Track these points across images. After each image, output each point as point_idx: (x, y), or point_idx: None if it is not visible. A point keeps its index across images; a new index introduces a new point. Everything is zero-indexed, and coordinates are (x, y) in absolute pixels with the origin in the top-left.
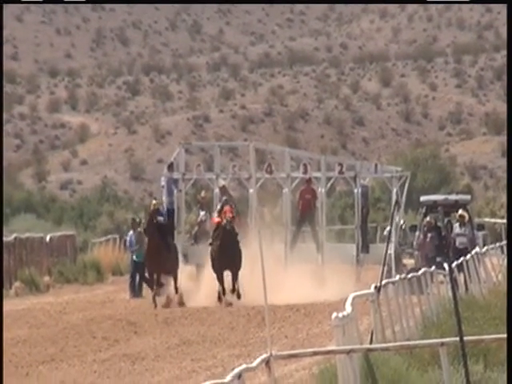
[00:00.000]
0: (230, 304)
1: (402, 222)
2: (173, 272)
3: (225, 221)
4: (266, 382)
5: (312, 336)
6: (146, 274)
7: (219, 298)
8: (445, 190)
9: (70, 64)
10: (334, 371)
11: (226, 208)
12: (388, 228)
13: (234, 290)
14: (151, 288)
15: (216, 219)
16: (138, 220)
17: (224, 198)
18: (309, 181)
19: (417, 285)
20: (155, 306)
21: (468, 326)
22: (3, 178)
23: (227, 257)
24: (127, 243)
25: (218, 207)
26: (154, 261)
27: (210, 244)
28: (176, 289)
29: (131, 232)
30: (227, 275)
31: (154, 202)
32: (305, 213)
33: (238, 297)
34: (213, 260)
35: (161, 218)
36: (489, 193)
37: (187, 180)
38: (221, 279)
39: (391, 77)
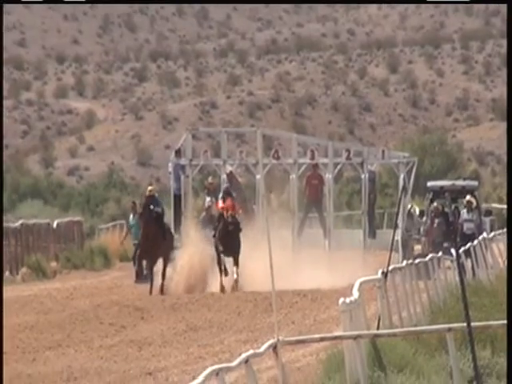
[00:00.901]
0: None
1: (416, 208)
2: (165, 257)
3: (228, 217)
4: (273, 368)
5: (319, 322)
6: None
7: (222, 289)
8: (452, 175)
9: (78, 50)
10: (341, 357)
11: (228, 203)
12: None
13: (236, 281)
14: (137, 273)
15: (221, 205)
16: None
17: (226, 185)
18: (315, 166)
19: (424, 270)
20: (150, 292)
21: (475, 311)
22: (6, 165)
23: (229, 250)
24: (130, 227)
25: (221, 194)
26: (147, 248)
27: (214, 236)
28: (163, 275)
29: (132, 216)
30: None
31: (149, 188)
32: (312, 198)
33: (236, 284)
34: (217, 251)
35: (158, 209)
36: (496, 179)
37: (194, 166)
38: (222, 270)
39: (398, 63)
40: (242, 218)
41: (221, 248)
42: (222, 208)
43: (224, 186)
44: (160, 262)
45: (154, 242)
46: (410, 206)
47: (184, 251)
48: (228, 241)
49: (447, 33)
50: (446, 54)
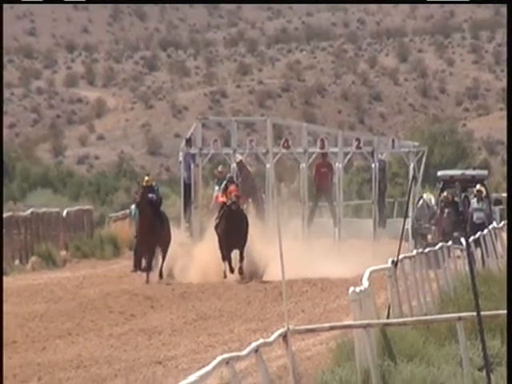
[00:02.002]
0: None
1: (431, 197)
2: (164, 247)
3: (229, 201)
4: (283, 357)
5: (329, 311)
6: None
7: (225, 276)
8: (462, 165)
9: (88, 39)
10: (351, 346)
11: (232, 188)
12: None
13: (240, 268)
14: (135, 263)
15: (220, 198)
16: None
17: (229, 175)
18: (324, 155)
19: (434, 259)
20: (147, 281)
21: (485, 300)
22: (16, 154)
23: (234, 237)
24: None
25: (223, 185)
26: (144, 241)
27: (216, 225)
28: (162, 264)
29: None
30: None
31: (146, 177)
32: (321, 187)
33: (241, 273)
34: (219, 240)
35: (153, 196)
36: (506, 168)
37: (204, 155)
38: (227, 258)
39: (408, 52)
40: (251, 206)
41: (224, 243)
42: (223, 202)
43: (228, 175)
44: (159, 252)
45: (151, 233)
46: (424, 195)
47: (199, 241)
48: (232, 231)
49: (457, 22)
50: (456, 43)
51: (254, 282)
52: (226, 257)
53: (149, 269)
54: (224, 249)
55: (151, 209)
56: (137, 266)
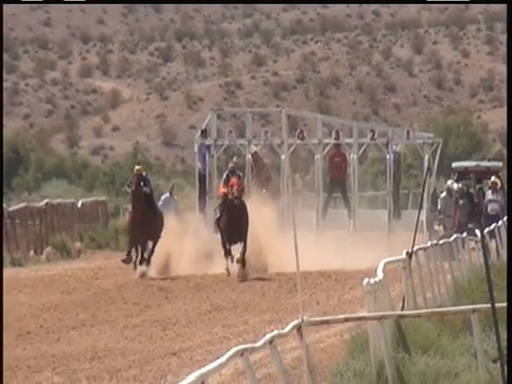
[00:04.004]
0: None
1: (454, 184)
2: (155, 239)
3: (231, 195)
4: (298, 348)
5: (343, 302)
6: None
7: (228, 274)
8: (476, 156)
9: (102, 30)
10: (365, 337)
11: (233, 180)
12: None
13: (243, 260)
14: (128, 254)
15: (222, 189)
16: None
17: (230, 165)
18: (337, 145)
19: (448, 251)
20: (134, 267)
21: (499, 292)
22: (31, 144)
23: (235, 231)
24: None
25: (224, 176)
26: (136, 235)
27: (218, 219)
28: (150, 256)
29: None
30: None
31: (137, 167)
32: (335, 178)
33: (243, 266)
34: (221, 235)
35: (146, 188)
36: None
37: (219, 146)
38: (227, 254)
39: (423, 44)
40: (266, 197)
41: (226, 236)
42: (224, 193)
43: (230, 165)
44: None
45: (143, 225)
46: (449, 182)
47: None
48: (234, 224)
49: (472, 14)
50: (470, 34)
51: (268, 273)
52: (228, 253)
53: (141, 262)
54: (226, 243)
55: (144, 200)
56: (128, 260)
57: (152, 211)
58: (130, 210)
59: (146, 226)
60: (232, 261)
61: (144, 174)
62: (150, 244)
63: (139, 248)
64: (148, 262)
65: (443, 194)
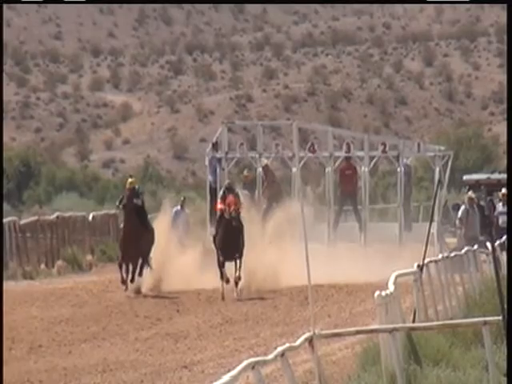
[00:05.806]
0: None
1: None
2: (146, 253)
3: (228, 215)
4: (309, 361)
5: (355, 315)
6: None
7: (223, 298)
8: (487, 169)
9: (113, 43)
10: (376, 350)
11: (230, 198)
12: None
13: (239, 278)
14: (120, 267)
15: (219, 206)
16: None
17: (227, 181)
18: (348, 158)
19: (459, 264)
20: (126, 288)
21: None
22: (42, 158)
23: (230, 251)
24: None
25: (221, 193)
26: (127, 252)
27: (214, 237)
28: (141, 271)
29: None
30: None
31: (130, 180)
32: (346, 191)
33: (239, 279)
34: (217, 255)
35: (138, 201)
36: None
37: (230, 159)
38: (223, 276)
39: (434, 56)
40: (277, 209)
41: (221, 254)
42: (221, 209)
43: (226, 181)
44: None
45: (134, 241)
46: (470, 193)
47: None
48: (229, 242)
49: (483, 26)
50: (481, 47)
51: (279, 286)
52: (221, 272)
53: (132, 280)
54: (221, 264)
55: (136, 214)
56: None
57: (143, 227)
58: (122, 226)
59: (136, 242)
60: (227, 282)
61: (137, 187)
62: (140, 260)
63: (130, 266)
64: (140, 273)
65: (462, 207)
